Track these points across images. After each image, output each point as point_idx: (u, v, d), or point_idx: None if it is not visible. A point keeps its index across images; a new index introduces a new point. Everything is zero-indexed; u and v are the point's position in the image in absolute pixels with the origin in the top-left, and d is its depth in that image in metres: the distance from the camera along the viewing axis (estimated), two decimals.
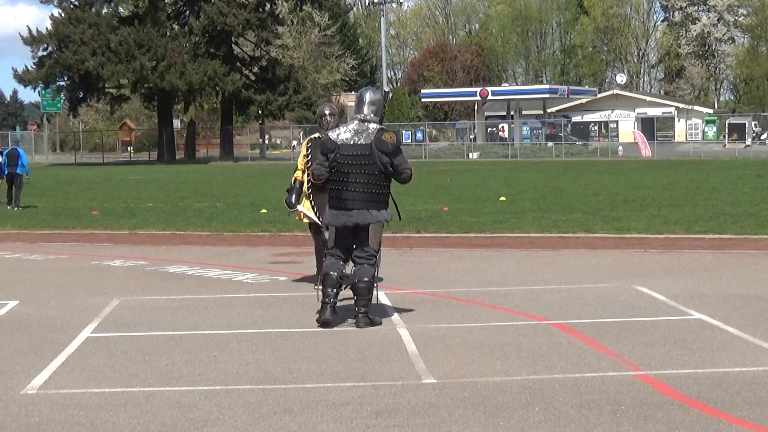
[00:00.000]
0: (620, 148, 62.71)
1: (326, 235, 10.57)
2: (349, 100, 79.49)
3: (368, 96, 9.19)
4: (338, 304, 9.02)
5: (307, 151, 10.47)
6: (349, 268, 9.17)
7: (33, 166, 56.45)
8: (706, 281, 11.25)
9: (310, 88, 74.30)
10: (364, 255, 8.91)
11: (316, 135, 10.53)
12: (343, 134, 9.03)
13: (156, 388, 6.91)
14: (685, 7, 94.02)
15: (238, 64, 68.26)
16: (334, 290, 8.85)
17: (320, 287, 8.90)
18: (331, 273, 8.86)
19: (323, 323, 8.84)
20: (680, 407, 6.25)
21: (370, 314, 8.89)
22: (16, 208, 24.12)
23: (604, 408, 6.23)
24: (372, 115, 9.09)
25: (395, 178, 9.04)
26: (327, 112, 10.44)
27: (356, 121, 9.10)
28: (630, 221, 17.72)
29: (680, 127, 75.52)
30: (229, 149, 70.31)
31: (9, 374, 7.38)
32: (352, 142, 8.96)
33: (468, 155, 63.91)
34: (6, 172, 24.72)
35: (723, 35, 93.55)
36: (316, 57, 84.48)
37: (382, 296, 10.33)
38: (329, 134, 9.14)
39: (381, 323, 8.92)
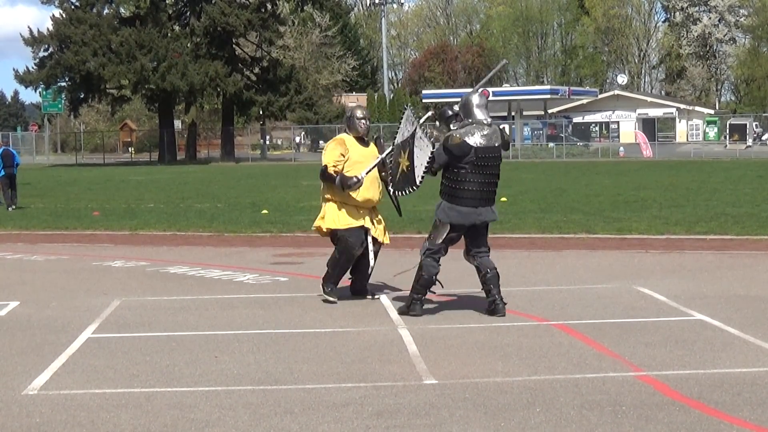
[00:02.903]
0: (621, 148, 62.69)
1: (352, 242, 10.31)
2: (350, 100, 79.45)
3: (479, 99, 9.48)
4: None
5: (341, 153, 10.24)
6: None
7: (34, 167, 56.98)
8: (708, 282, 11.25)
9: (311, 88, 74.28)
10: (483, 249, 9.51)
11: (343, 136, 10.45)
12: (479, 137, 9.30)
13: (157, 389, 6.91)
14: (686, 7, 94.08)
15: (240, 64, 68.23)
16: (427, 290, 9.48)
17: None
18: (432, 276, 9.41)
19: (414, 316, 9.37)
20: (681, 408, 6.25)
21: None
22: (14, 208, 24.11)
23: (605, 409, 6.24)
24: (489, 118, 9.52)
25: None
26: (360, 114, 10.40)
27: (484, 125, 9.38)
28: (631, 222, 17.72)
29: (681, 127, 75.61)
30: (230, 150, 70.28)
31: (10, 375, 7.39)
32: (488, 145, 9.32)
33: None
34: (3, 174, 24.71)
35: (724, 36, 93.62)
36: (317, 58, 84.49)
37: (383, 298, 10.36)
38: (465, 139, 9.29)
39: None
